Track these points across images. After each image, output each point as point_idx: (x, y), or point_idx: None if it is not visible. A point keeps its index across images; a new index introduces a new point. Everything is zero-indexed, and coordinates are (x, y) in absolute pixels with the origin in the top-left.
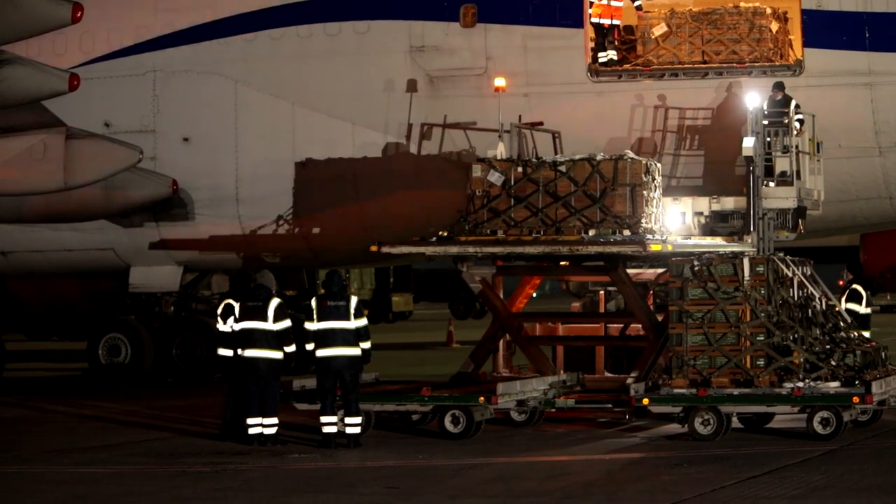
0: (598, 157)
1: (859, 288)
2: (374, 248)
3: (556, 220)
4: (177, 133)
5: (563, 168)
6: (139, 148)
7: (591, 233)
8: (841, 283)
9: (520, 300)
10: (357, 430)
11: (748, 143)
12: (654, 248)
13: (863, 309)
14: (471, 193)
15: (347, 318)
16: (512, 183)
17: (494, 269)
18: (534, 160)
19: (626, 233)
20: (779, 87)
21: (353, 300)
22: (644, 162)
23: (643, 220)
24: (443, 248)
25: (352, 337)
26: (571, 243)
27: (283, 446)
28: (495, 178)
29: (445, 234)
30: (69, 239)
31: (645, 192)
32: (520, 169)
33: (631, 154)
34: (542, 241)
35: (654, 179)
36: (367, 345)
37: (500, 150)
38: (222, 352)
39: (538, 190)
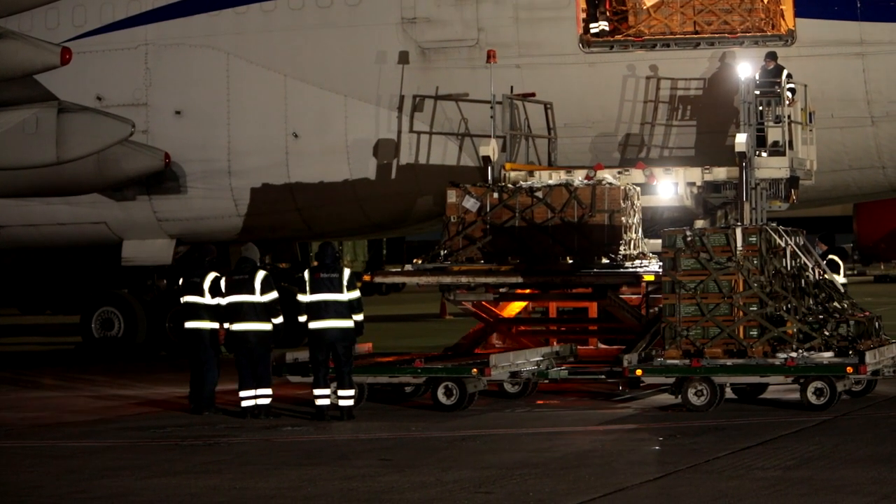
0: (576, 183)
1: (836, 258)
2: (367, 277)
3: (532, 247)
4: (169, 106)
5: (539, 194)
6: (131, 121)
7: (569, 260)
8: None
9: (511, 306)
10: (350, 402)
11: (741, 138)
12: (648, 278)
13: (841, 278)
14: (446, 220)
15: (340, 291)
16: (487, 209)
17: (483, 296)
18: (510, 185)
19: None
20: (771, 56)
21: (346, 272)
22: (622, 187)
23: (622, 247)
24: (436, 278)
25: (344, 309)
26: (565, 274)
27: (276, 419)
28: (470, 204)
29: (420, 261)
30: (62, 213)
31: (623, 219)
32: (496, 195)
33: (609, 178)
34: (536, 270)
35: (633, 205)
36: (359, 317)
37: (493, 148)
38: (193, 324)
39: (514, 216)
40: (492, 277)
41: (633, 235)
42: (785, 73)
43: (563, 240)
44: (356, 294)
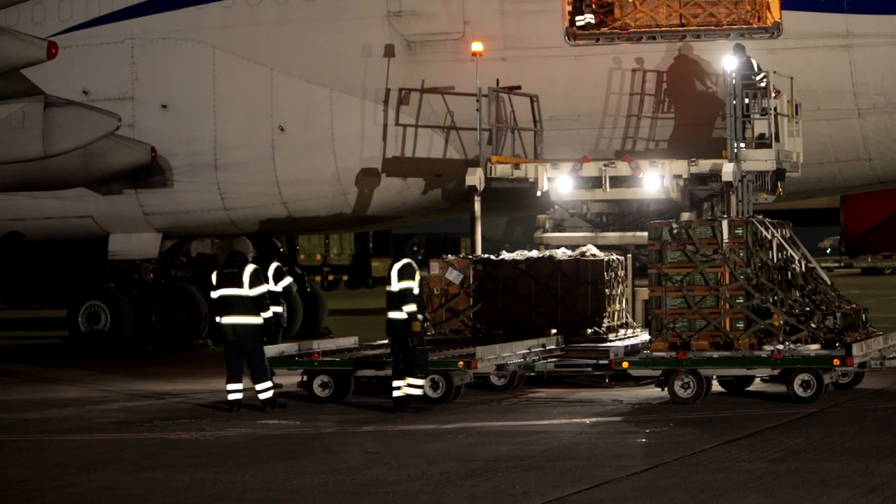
0: (559, 255)
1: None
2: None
3: (516, 319)
4: (155, 100)
5: (522, 266)
6: (117, 115)
7: (553, 331)
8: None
9: None
10: (269, 394)
11: (728, 168)
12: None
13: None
14: (428, 291)
15: (240, 286)
16: (471, 281)
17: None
18: (493, 258)
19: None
20: (739, 49)
21: (249, 268)
22: (605, 259)
23: (605, 319)
24: None
25: (249, 304)
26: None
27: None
28: (453, 276)
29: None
30: (48, 207)
31: (607, 290)
32: (479, 267)
33: (594, 250)
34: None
35: (616, 276)
36: (268, 314)
37: (479, 178)
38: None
39: (498, 288)
40: None
41: (617, 306)
42: (755, 64)
43: (547, 312)
44: (260, 290)
